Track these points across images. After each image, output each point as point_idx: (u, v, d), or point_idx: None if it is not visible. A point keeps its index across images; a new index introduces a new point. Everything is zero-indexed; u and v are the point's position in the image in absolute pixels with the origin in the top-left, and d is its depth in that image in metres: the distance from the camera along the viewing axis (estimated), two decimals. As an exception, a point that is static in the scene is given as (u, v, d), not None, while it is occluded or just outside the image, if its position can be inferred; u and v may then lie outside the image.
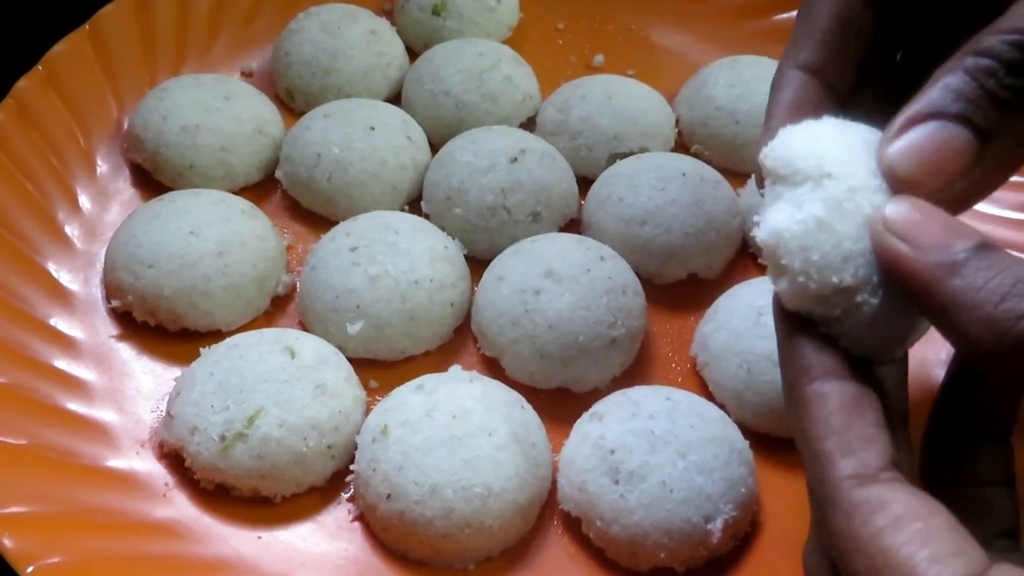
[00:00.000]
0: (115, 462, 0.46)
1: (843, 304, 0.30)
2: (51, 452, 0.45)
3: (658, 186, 0.57)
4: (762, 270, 0.58)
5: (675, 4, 0.75)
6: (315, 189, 0.59)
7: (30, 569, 0.39)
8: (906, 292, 0.29)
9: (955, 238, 0.28)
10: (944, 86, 0.30)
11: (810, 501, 0.30)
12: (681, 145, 0.66)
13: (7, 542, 0.40)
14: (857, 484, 0.28)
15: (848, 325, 0.30)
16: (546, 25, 0.74)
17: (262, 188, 0.61)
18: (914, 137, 0.30)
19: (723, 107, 0.64)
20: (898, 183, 0.30)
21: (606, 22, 0.74)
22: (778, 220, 0.30)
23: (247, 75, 0.69)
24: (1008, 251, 0.28)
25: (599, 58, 0.72)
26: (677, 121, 0.66)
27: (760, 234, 0.31)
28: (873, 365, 0.32)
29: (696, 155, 0.64)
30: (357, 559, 0.45)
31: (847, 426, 0.29)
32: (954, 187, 0.30)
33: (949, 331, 0.28)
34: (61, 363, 0.50)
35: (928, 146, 0.30)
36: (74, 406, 0.48)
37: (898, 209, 0.29)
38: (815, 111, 0.34)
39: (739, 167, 0.64)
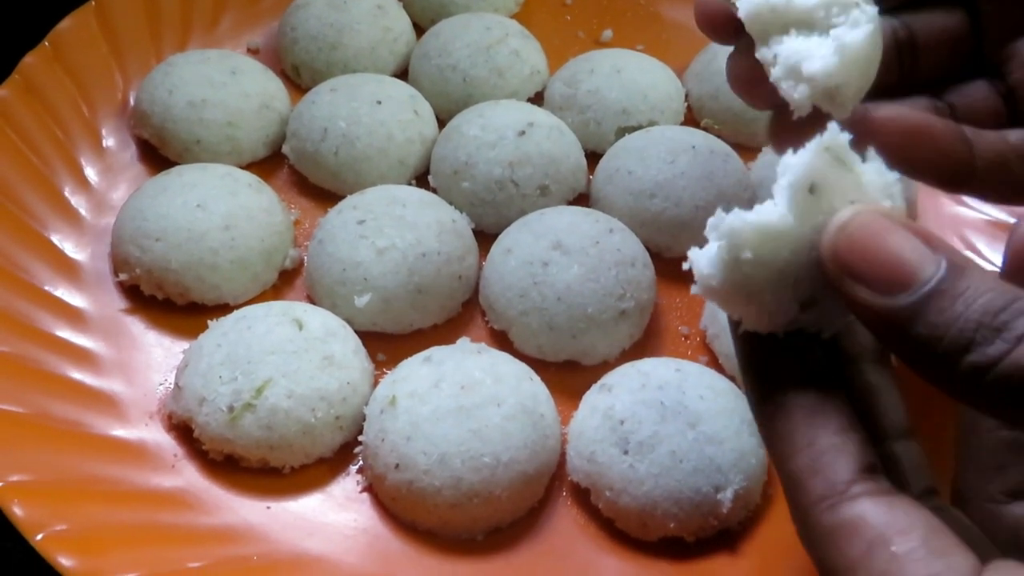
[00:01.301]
0: (124, 432, 0.46)
1: (808, 319, 0.29)
2: (59, 423, 0.45)
3: (667, 159, 0.56)
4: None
5: (684, -22, 0.74)
6: (322, 164, 0.58)
7: (39, 536, 0.39)
8: (872, 334, 0.27)
9: (913, 269, 0.25)
10: None
11: None
12: (691, 119, 0.65)
13: (17, 510, 0.40)
14: (827, 508, 0.26)
15: (814, 322, 0.29)
16: (554, 0, 0.74)
17: (269, 163, 0.61)
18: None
19: (733, 80, 0.63)
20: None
21: (614, -3, 0.74)
22: (701, 266, 0.28)
23: (253, 51, 0.68)
24: (974, 263, 0.26)
25: (608, 33, 0.71)
26: (687, 95, 0.65)
27: (694, 289, 0.29)
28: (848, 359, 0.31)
29: (706, 129, 0.63)
30: (366, 529, 0.45)
31: (810, 440, 0.27)
32: None
33: (924, 378, 0.26)
34: (68, 334, 0.50)
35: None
36: (82, 377, 0.48)
37: (846, 238, 0.26)
38: None
39: (749, 141, 0.63)
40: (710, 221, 0.28)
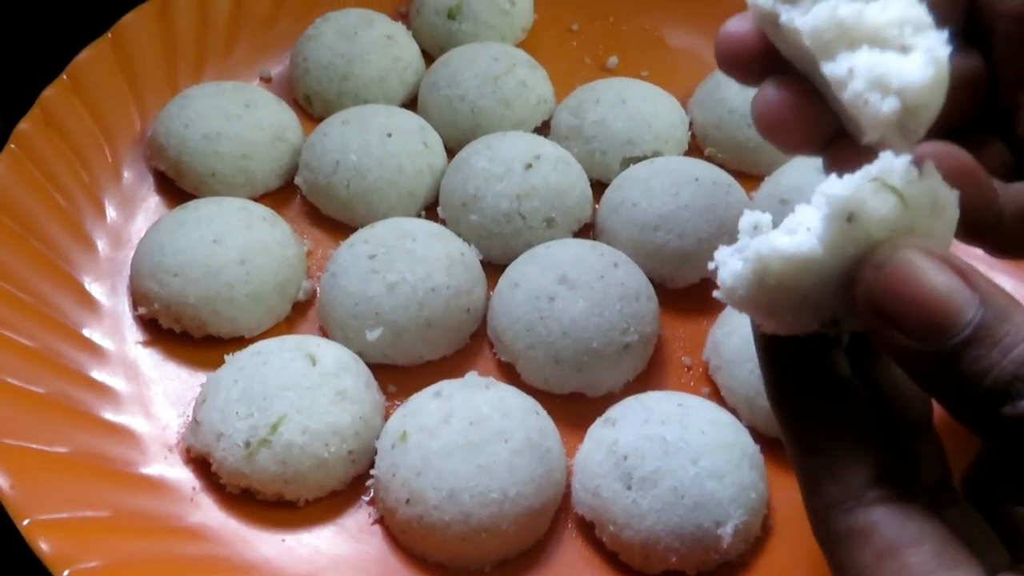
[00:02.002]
0: (145, 467, 0.48)
1: (829, 330, 0.29)
2: (85, 458, 0.47)
3: (671, 191, 0.57)
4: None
5: (689, 4, 0.75)
6: (333, 195, 0.60)
7: (66, 572, 0.41)
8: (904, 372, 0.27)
9: (950, 315, 0.25)
10: None
11: None
12: (695, 147, 0.66)
13: (44, 546, 0.42)
14: (841, 512, 0.27)
15: (836, 331, 0.29)
16: (560, 26, 0.75)
17: (282, 194, 0.63)
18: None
19: (736, 109, 0.64)
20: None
21: (620, 23, 0.75)
22: (725, 276, 0.28)
23: (266, 80, 0.70)
24: (1014, 302, 0.25)
25: (613, 59, 0.72)
26: (691, 123, 0.67)
27: (717, 293, 0.29)
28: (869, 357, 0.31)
29: (710, 158, 0.64)
30: (377, 561, 0.46)
31: (828, 443, 0.28)
32: None
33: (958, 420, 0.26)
34: (89, 370, 0.51)
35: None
36: (106, 413, 0.50)
37: (882, 281, 0.26)
38: None
39: (752, 169, 0.64)
40: (730, 248, 0.28)
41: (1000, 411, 0.24)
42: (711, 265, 0.28)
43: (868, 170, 0.26)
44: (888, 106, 0.30)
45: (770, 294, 0.28)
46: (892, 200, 0.27)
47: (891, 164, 0.26)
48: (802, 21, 0.33)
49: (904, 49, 0.31)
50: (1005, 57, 0.40)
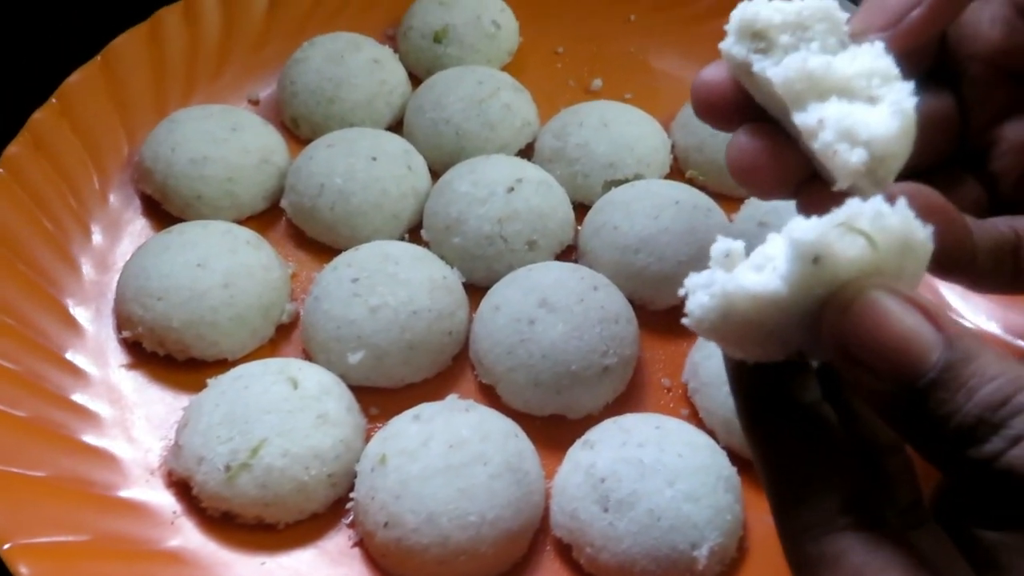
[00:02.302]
0: (126, 491, 0.48)
1: (801, 357, 0.30)
2: (66, 482, 0.47)
3: (652, 214, 0.58)
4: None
5: (673, 28, 0.76)
6: (318, 218, 0.60)
7: (46, 596, 0.41)
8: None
9: (917, 358, 0.25)
10: None
11: None
12: (677, 170, 0.67)
13: (24, 570, 0.42)
14: (811, 539, 0.27)
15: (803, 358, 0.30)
16: (546, 49, 0.76)
17: (268, 216, 0.63)
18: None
19: (718, 133, 0.64)
20: None
21: (605, 46, 0.76)
22: (693, 306, 0.28)
23: (254, 103, 0.70)
24: (981, 344, 0.25)
25: (597, 82, 0.73)
26: (673, 146, 0.67)
27: (685, 321, 0.29)
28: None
29: (691, 180, 0.65)
30: (357, 584, 0.47)
31: (799, 469, 0.28)
32: None
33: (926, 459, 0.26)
34: (72, 394, 0.52)
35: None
36: (88, 437, 0.50)
37: (848, 323, 0.26)
38: None
39: (733, 192, 0.65)
40: (700, 277, 0.28)
41: (966, 453, 0.25)
42: (681, 291, 0.29)
43: (835, 214, 0.27)
44: (856, 156, 0.31)
45: (736, 328, 0.28)
46: (860, 242, 0.27)
47: (859, 209, 0.27)
48: (774, 72, 0.34)
49: (872, 100, 0.32)
50: (975, 98, 0.41)
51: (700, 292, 0.28)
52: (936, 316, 0.26)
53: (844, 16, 0.35)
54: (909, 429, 0.26)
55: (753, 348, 0.29)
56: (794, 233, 0.27)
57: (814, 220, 0.27)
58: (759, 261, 0.28)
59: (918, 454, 0.27)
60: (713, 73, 0.38)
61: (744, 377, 0.30)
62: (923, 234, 0.27)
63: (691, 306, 0.29)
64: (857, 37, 0.35)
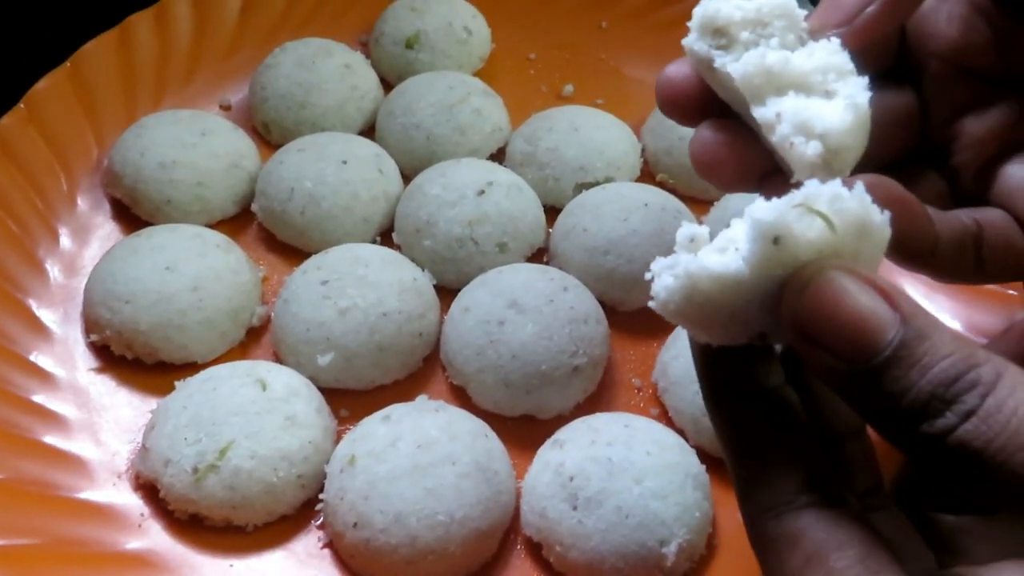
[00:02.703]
0: (92, 494, 0.48)
1: (760, 342, 0.31)
2: (29, 485, 0.47)
3: (621, 217, 0.59)
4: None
5: (644, 36, 0.77)
6: (289, 222, 0.60)
7: (5, 601, 0.41)
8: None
9: (872, 336, 0.25)
10: None
11: None
12: (647, 174, 0.68)
13: (-13, 574, 0.42)
14: (772, 517, 0.28)
15: (767, 341, 0.30)
16: (518, 55, 0.76)
17: (238, 220, 0.63)
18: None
19: (687, 137, 0.64)
20: None
21: (577, 53, 0.77)
22: (659, 288, 0.29)
23: (225, 108, 0.70)
24: (934, 321, 0.26)
25: (569, 88, 0.74)
26: (643, 150, 0.68)
27: (651, 303, 0.30)
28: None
29: (661, 184, 0.66)
30: (326, 585, 0.46)
31: (760, 450, 0.29)
32: None
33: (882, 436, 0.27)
34: (41, 398, 0.51)
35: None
36: (52, 440, 0.50)
37: (805, 303, 0.26)
38: None
39: (702, 195, 0.66)
40: (666, 260, 0.29)
41: (919, 429, 0.25)
42: (647, 275, 0.30)
43: (794, 195, 0.27)
44: (812, 149, 0.32)
45: (699, 309, 0.29)
46: (818, 223, 0.27)
47: (817, 191, 0.27)
48: (733, 67, 0.35)
49: (828, 94, 0.33)
50: (935, 94, 0.42)
51: (665, 274, 0.29)
52: (892, 295, 0.26)
53: (803, 13, 0.36)
54: (865, 407, 0.27)
55: (717, 330, 0.30)
56: (755, 213, 0.27)
57: (774, 201, 0.27)
58: (722, 244, 0.29)
59: (876, 433, 0.28)
60: (677, 70, 0.38)
61: (708, 360, 0.31)
62: (880, 219, 0.28)
63: (656, 288, 0.29)
64: (815, 34, 0.36)
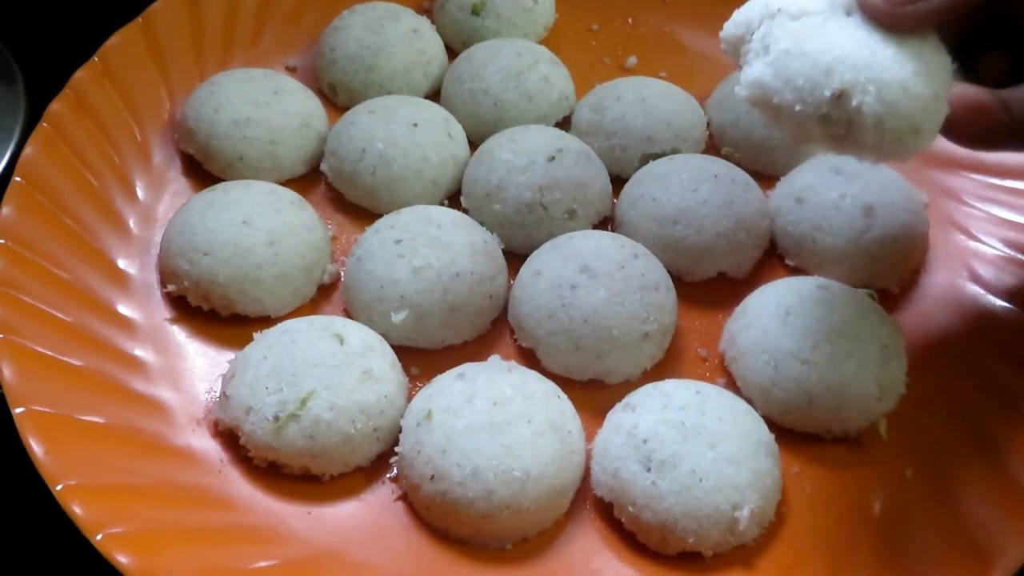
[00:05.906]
0: (174, 439, 0.49)
1: (843, 114, 0.33)
2: (117, 429, 0.48)
3: (691, 187, 0.59)
4: (789, 270, 0.60)
5: (706, 7, 0.75)
6: (359, 183, 0.61)
7: (99, 536, 0.42)
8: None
9: None
10: None
11: None
12: (712, 147, 0.67)
13: (77, 510, 0.43)
14: None
15: (857, 136, 0.33)
16: (581, 26, 0.76)
17: (307, 180, 0.64)
18: None
19: (753, 111, 0.65)
20: None
21: (639, 25, 0.76)
22: (752, 71, 0.34)
23: (291, 70, 0.71)
24: None
25: (632, 59, 0.74)
26: (708, 123, 0.68)
27: (743, 92, 0.35)
28: None
29: (727, 157, 0.66)
30: (400, 536, 0.47)
31: None
32: None
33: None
34: (121, 343, 0.52)
35: None
36: (134, 384, 0.51)
37: None
38: None
39: (768, 169, 0.65)
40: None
41: None
42: (741, 61, 0.37)
43: None
44: None
45: (790, 63, 0.34)
46: None
47: None
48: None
49: None
50: None
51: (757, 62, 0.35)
52: None
53: None
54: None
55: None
56: None
57: None
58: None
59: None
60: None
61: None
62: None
63: (751, 71, 0.36)
64: None
